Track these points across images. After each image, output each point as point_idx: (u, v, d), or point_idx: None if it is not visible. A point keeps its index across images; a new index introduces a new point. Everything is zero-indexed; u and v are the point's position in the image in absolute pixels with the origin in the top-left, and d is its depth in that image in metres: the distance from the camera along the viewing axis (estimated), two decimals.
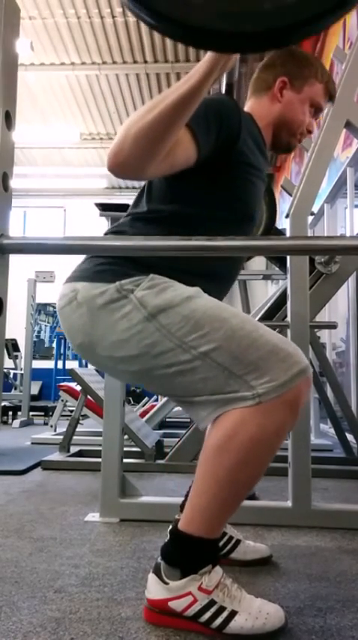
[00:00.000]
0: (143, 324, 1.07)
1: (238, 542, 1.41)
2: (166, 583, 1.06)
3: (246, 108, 1.34)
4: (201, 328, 1.04)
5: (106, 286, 1.11)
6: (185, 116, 0.94)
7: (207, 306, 1.08)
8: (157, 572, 1.08)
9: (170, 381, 1.08)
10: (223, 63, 0.91)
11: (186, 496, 1.42)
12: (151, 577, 1.09)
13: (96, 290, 1.11)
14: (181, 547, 1.07)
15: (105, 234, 1.26)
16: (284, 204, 7.83)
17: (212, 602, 1.02)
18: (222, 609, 1.02)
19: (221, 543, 1.38)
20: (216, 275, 1.24)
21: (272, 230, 2.09)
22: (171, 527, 1.42)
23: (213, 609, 1.02)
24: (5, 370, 7.09)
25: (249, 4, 0.58)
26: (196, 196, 1.18)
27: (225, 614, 1.01)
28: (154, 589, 1.07)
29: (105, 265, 1.14)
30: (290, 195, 2.08)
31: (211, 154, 1.09)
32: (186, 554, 1.06)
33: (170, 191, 1.19)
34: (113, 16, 6.31)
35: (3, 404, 5.65)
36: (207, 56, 0.89)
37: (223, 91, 1.61)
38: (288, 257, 1.98)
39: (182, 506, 1.42)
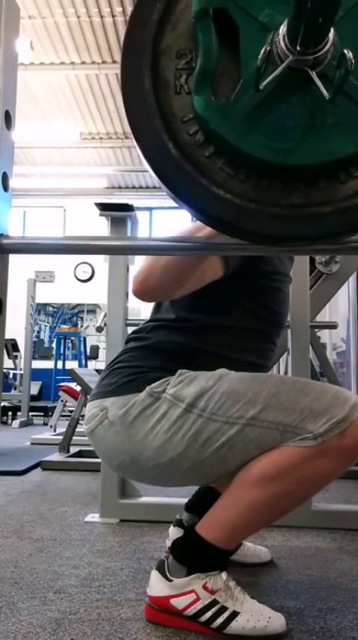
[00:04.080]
0: (183, 417, 1.04)
1: (239, 544, 1.40)
2: (170, 580, 1.05)
3: None
4: (243, 397, 1.02)
5: (137, 396, 1.09)
6: None
7: (241, 376, 1.07)
8: (161, 569, 1.08)
9: (223, 462, 1.04)
10: None
11: (193, 496, 1.42)
12: (154, 574, 1.09)
13: (128, 403, 1.09)
14: (194, 548, 1.06)
15: (127, 341, 1.25)
16: None
17: (214, 602, 1.02)
18: (223, 609, 1.02)
19: None
20: (249, 363, 1.20)
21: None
22: (171, 527, 1.43)
23: (214, 609, 1.02)
24: (5, 370, 7.09)
25: (306, 207, 0.56)
26: (223, 306, 1.17)
27: (226, 615, 1.01)
28: (156, 586, 1.07)
29: (131, 376, 1.13)
30: None
31: (239, 267, 1.09)
32: (198, 556, 1.06)
33: (196, 300, 1.16)
34: (113, 16, 6.31)
35: (3, 404, 5.65)
36: None
37: None
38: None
39: (187, 505, 1.42)
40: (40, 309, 10.95)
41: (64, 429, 3.34)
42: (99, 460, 1.90)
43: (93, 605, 1.15)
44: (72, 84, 7.72)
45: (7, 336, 0.96)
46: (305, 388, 1.03)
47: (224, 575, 1.06)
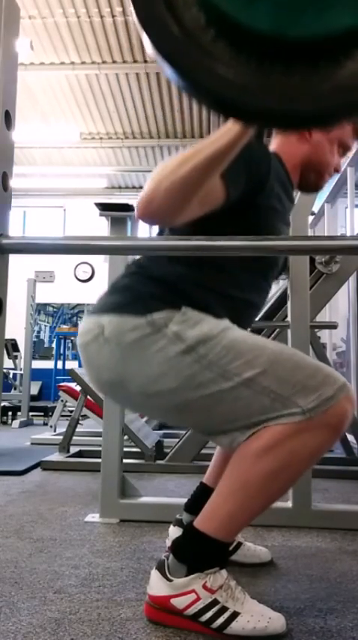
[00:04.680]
0: (181, 357, 1.05)
1: (239, 544, 1.41)
2: (170, 580, 1.05)
3: (273, 146, 1.30)
4: (243, 356, 1.04)
5: (136, 320, 1.08)
6: (217, 171, 0.95)
7: (245, 335, 1.09)
8: (161, 568, 1.08)
9: (208, 412, 1.06)
10: None
11: (192, 496, 1.42)
12: (154, 573, 1.09)
13: (126, 325, 1.08)
14: (194, 544, 1.07)
15: (127, 265, 1.24)
16: None
17: (214, 602, 1.02)
18: (224, 609, 1.02)
19: None
20: (246, 301, 1.21)
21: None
22: (171, 526, 1.43)
23: (214, 609, 1.02)
24: (5, 370, 7.08)
25: (307, 86, 0.57)
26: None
27: (226, 615, 1.01)
28: (157, 585, 1.07)
29: (132, 298, 1.13)
30: None
31: (238, 199, 1.08)
32: (198, 552, 1.06)
33: (194, 230, 1.14)
34: (113, 16, 6.31)
35: (3, 404, 5.65)
36: None
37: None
38: (288, 257, 1.98)
39: (186, 505, 1.42)
40: (40, 309, 10.95)
41: (64, 429, 3.34)
42: (99, 460, 1.90)
43: (93, 605, 1.15)
44: (72, 84, 7.72)
45: (7, 336, 0.96)
46: (302, 363, 1.05)
47: (224, 573, 1.06)
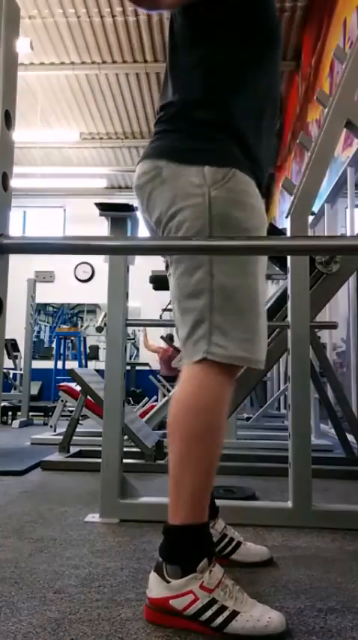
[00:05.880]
0: (203, 217, 1.10)
1: (239, 544, 1.41)
2: (168, 581, 1.05)
3: None
4: (235, 261, 1.09)
5: (189, 169, 1.12)
6: None
7: (255, 259, 1.14)
8: (159, 570, 1.08)
9: (181, 277, 1.13)
10: None
11: None
12: (152, 576, 1.09)
13: (179, 173, 1.13)
14: (174, 541, 1.08)
15: (169, 106, 1.23)
16: (284, 204, 7.82)
17: (213, 601, 1.02)
18: (223, 608, 1.02)
19: (221, 545, 1.37)
20: (267, 86, 1.24)
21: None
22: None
23: (214, 608, 1.02)
24: (5, 370, 7.08)
25: None
26: (220, 29, 1.18)
27: (226, 614, 1.01)
28: (155, 588, 1.07)
29: (189, 142, 1.16)
30: (291, 194, 2.08)
31: None
32: (181, 547, 1.07)
33: (193, 18, 1.18)
34: (113, 16, 6.31)
35: (3, 404, 5.64)
36: None
37: None
38: (288, 257, 1.98)
39: None
40: (40, 309, 10.95)
41: (64, 429, 3.34)
42: (99, 460, 1.90)
43: (94, 605, 1.15)
44: (72, 84, 7.72)
45: (7, 336, 0.96)
46: (249, 313, 1.11)
47: (219, 570, 1.06)
